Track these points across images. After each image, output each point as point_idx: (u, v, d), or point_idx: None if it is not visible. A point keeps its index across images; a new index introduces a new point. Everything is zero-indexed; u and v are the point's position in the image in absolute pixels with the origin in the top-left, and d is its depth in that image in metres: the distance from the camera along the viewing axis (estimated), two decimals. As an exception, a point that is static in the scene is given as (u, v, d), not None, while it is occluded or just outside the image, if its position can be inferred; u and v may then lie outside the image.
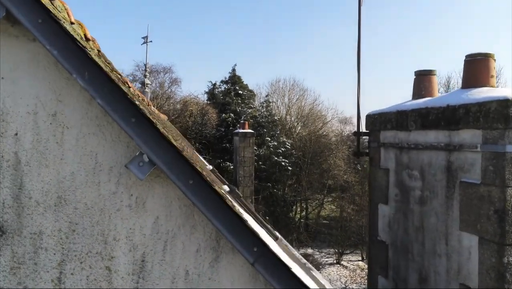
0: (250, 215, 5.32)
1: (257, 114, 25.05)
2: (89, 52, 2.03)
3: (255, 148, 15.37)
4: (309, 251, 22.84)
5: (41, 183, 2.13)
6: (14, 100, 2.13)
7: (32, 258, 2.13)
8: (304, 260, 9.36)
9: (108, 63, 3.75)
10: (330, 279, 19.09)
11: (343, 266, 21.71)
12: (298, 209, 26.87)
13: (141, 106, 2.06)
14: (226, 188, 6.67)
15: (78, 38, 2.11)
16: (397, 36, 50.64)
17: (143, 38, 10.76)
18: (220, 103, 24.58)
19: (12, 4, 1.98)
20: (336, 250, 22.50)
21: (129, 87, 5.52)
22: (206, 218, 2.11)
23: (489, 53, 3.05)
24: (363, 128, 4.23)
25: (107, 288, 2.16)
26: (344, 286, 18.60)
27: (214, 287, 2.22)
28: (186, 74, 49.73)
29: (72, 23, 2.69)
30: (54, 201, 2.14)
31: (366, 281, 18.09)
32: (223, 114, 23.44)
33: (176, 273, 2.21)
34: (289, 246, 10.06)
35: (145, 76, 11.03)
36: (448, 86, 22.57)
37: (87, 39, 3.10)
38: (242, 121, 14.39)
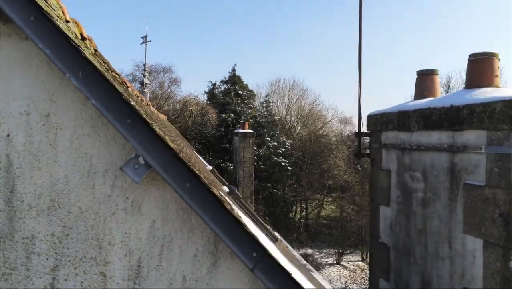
0: (249, 216, 5.27)
1: (257, 114, 25.00)
2: (83, 51, 1.97)
3: (255, 148, 15.31)
4: (309, 251, 22.79)
5: (33, 186, 2.07)
6: (5, 101, 2.07)
7: (24, 263, 2.06)
8: (304, 261, 9.32)
9: (105, 62, 3.68)
10: (330, 280, 19.04)
11: (343, 266, 21.66)
12: (298, 209, 26.82)
13: (136, 107, 2.00)
14: (225, 188, 6.61)
15: (72, 36, 2.05)
16: (397, 37, 50.60)
17: (142, 37, 10.72)
18: (220, 103, 24.53)
19: (4, 2, 1.91)
20: (336, 250, 22.46)
21: (127, 87, 5.46)
22: (204, 222, 2.05)
23: (493, 53, 2.99)
24: (364, 129, 4.17)
25: (102, 294, 2.10)
26: (344, 286, 18.56)
27: (212, 292, 2.16)
28: (186, 74, 49.73)
29: (67, 21, 2.63)
30: (47, 205, 2.07)
31: (366, 281, 18.05)
32: (223, 114, 23.39)
33: (173, 278, 2.15)
34: (289, 247, 10.01)
35: (144, 76, 10.97)
36: (449, 86, 22.51)
37: (83, 38, 3.04)
38: (242, 122, 14.34)
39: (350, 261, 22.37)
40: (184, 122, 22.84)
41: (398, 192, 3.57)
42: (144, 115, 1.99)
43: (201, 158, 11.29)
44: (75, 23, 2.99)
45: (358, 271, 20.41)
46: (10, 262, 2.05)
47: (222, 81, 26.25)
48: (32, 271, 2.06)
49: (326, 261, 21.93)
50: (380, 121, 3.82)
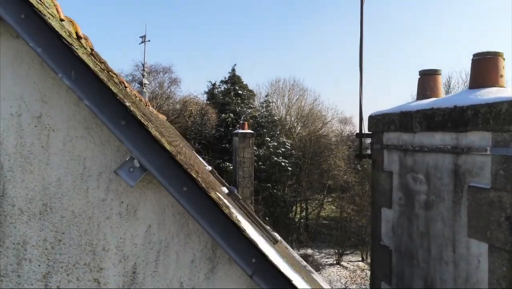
0: (249, 217, 5.20)
1: (257, 114, 24.94)
2: (76, 50, 1.90)
3: (254, 148, 15.25)
4: (309, 251, 22.75)
5: (25, 190, 2.00)
6: (-4, 102, 2.00)
7: (15, 270, 1.99)
8: (304, 263, 9.25)
9: (102, 62, 3.61)
10: (330, 280, 19.01)
11: (343, 266, 21.62)
12: (298, 210, 26.77)
13: (131, 108, 1.93)
14: (225, 190, 6.55)
15: (65, 35, 1.98)
16: (397, 37, 50.55)
17: (141, 37, 10.65)
18: (220, 103, 24.46)
19: (-7, -1, 1.85)
20: (336, 251, 22.42)
21: (126, 87, 5.39)
22: (201, 227, 1.98)
23: (498, 52, 2.93)
24: (365, 130, 4.11)
25: (96, 301, 2.03)
26: (344, 286, 18.51)
27: (210, 299, 2.09)
28: (186, 74, 49.68)
29: (61, 20, 2.56)
30: (39, 209, 2.00)
31: (366, 281, 18.01)
32: (223, 115, 23.32)
33: (170, 285, 2.08)
34: (289, 248, 9.93)
35: (143, 76, 10.91)
36: (449, 86, 22.44)
37: (79, 37, 2.96)
38: (241, 122, 14.27)
39: (350, 261, 22.32)
40: (183, 122, 22.79)
41: (400, 194, 3.50)
42: (139, 117, 1.93)
43: (200, 158, 11.22)
44: (70, 21, 2.92)
45: (358, 272, 20.37)
46: (0, 268, 1.98)
47: (222, 81, 26.19)
48: (23, 278, 1.99)
49: (326, 262, 21.89)
50: (382, 122, 3.75)
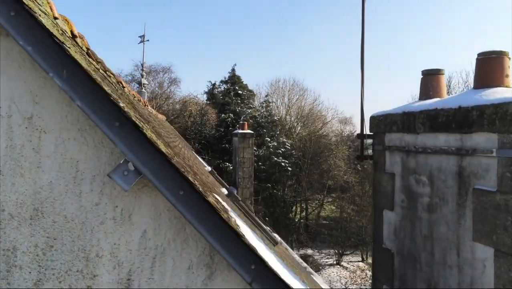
0: (249, 219, 5.13)
1: (256, 114, 24.87)
2: (68, 49, 1.83)
3: (254, 148, 15.17)
4: (309, 252, 22.70)
5: (15, 194, 1.93)
6: (-15, 102, 1.93)
7: (5, 277, 1.92)
8: (304, 264, 9.18)
9: (98, 62, 3.54)
10: (330, 280, 18.96)
11: (343, 267, 21.57)
12: (298, 210, 26.71)
13: (125, 109, 1.85)
14: (224, 191, 6.47)
15: (57, 33, 1.91)
16: (397, 37, 50.49)
17: (140, 37, 10.57)
18: (220, 103, 24.39)
19: (-18, -4, 1.77)
20: (336, 251, 22.36)
21: (123, 87, 5.31)
22: (198, 232, 1.90)
23: (503, 51, 2.86)
24: (366, 131, 4.04)
25: (89, 309, 1.96)
26: (344, 287, 18.44)
27: (207, 307, 2.02)
28: (186, 74, 49.60)
29: (55, 18, 2.49)
30: (30, 214, 1.93)
31: (366, 282, 17.95)
32: (223, 115, 23.25)
33: (166, 292, 2.01)
34: (289, 249, 9.86)
35: (142, 76, 10.83)
36: (449, 87, 22.36)
37: (74, 36, 2.89)
38: (241, 122, 14.19)
39: (350, 261, 22.27)
40: (183, 122, 22.72)
41: (402, 196, 3.43)
42: (133, 118, 1.85)
43: (200, 159, 11.15)
44: (65, 20, 2.85)
45: (358, 272, 20.32)
46: (-11, 275, 1.91)
47: (221, 81, 26.13)
48: (13, 286, 1.92)
49: (326, 262, 21.84)
50: (384, 123, 3.68)
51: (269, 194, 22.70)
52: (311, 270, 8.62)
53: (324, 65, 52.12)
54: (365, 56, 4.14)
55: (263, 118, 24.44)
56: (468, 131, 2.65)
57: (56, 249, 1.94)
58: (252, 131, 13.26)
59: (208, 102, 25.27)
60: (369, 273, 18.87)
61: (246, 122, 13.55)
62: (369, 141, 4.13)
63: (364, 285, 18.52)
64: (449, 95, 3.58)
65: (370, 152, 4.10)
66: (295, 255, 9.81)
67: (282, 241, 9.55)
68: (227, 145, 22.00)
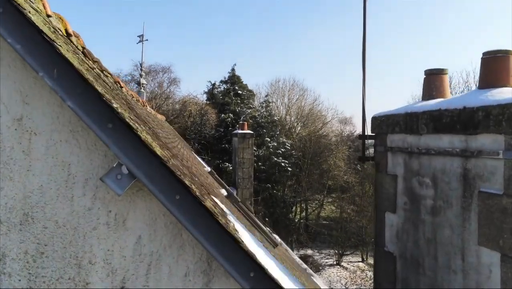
0: (248, 220, 5.05)
1: (256, 114, 24.80)
2: (59, 47, 1.75)
3: (254, 148, 15.10)
4: (309, 252, 22.65)
5: (4, 198, 1.85)
6: (-27, 103, 1.85)
7: (-6, 285, 1.84)
8: (304, 265, 9.09)
9: (94, 61, 3.45)
10: (330, 281, 18.90)
11: (343, 267, 21.51)
12: (298, 210, 26.65)
13: (119, 110, 1.78)
14: (223, 192, 6.38)
15: (48, 31, 1.83)
16: (397, 36, 50.43)
17: (139, 36, 10.50)
18: (220, 103, 24.32)
19: (-31, -8, 1.70)
20: (336, 251, 22.31)
21: (121, 87, 5.21)
22: (195, 238, 1.83)
23: (509, 50, 2.78)
24: (368, 131, 3.97)
25: (82, 317, 1.88)
26: (344, 287, 18.38)
27: (204, 315, 1.94)
28: (186, 74, 49.53)
29: (48, 15, 2.41)
30: (19, 219, 1.85)
31: (366, 282, 17.87)
32: (222, 115, 23.18)
33: (161, 300, 1.93)
34: (289, 250, 9.78)
35: (140, 76, 10.75)
36: (450, 87, 22.34)
37: (69, 34, 2.82)
38: (241, 122, 14.11)
39: (350, 262, 22.21)
40: (183, 122, 22.65)
41: (405, 198, 3.36)
42: (127, 119, 1.78)
43: (200, 159, 11.07)
44: (59, 18, 2.77)
45: (358, 272, 20.27)
46: (-23, 283, 1.84)
47: (221, 81, 26.06)
48: (2, 294, 1.85)
49: (326, 262, 21.79)
50: (386, 123, 3.60)
51: (269, 194, 22.63)
52: (311, 271, 8.54)
53: (324, 65, 52.06)
54: (368, 56, 4.08)
55: (263, 118, 24.37)
56: (473, 132, 2.58)
57: (47, 256, 1.87)
58: (252, 132, 13.19)
59: (207, 102, 25.20)
60: (369, 273, 18.82)
61: (246, 123, 13.48)
62: (370, 141, 4.06)
63: (364, 286, 18.46)
64: (452, 95, 3.51)
65: (370, 151, 4.03)
66: (295, 256, 9.74)
67: (282, 242, 9.48)
68: (227, 145, 21.93)
